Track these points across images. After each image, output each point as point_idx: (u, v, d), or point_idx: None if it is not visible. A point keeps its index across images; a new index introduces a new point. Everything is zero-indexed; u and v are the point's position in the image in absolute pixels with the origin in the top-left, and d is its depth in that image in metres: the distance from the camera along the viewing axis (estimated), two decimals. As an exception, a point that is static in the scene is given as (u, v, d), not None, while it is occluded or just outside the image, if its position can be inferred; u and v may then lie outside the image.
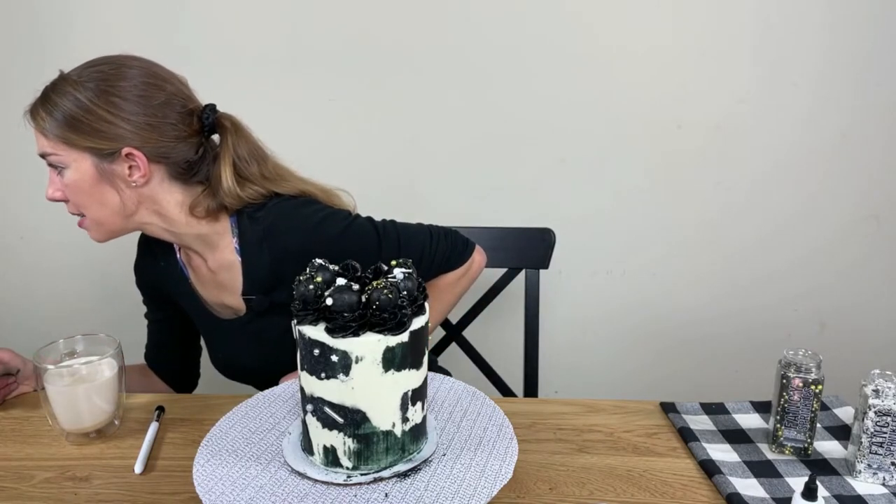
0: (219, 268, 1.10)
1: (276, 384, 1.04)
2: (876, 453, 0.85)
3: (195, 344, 1.30)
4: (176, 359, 1.28)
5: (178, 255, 1.16)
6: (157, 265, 1.18)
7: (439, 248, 1.15)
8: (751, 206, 1.76)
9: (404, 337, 0.74)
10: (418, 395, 0.79)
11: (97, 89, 0.97)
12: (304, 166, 1.83)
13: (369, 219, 1.12)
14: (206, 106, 1.05)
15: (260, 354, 1.13)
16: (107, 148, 0.98)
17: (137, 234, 1.89)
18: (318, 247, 1.03)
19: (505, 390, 1.47)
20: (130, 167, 0.99)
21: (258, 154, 1.08)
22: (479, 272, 1.23)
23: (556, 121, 1.71)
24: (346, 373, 0.73)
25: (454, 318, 1.44)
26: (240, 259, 1.08)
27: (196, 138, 1.04)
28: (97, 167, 0.99)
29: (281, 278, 1.05)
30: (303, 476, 0.77)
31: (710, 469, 0.88)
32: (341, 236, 1.07)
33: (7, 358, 1.05)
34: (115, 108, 0.97)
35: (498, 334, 1.71)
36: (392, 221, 1.14)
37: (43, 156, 1.00)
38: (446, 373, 1.33)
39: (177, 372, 1.29)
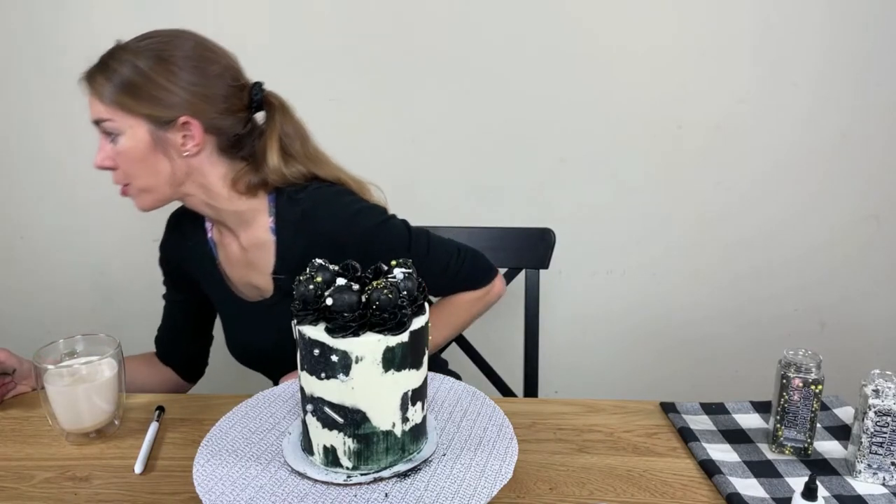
0: (251, 246, 1.11)
1: (289, 372, 1.05)
2: (876, 453, 0.85)
3: (208, 331, 1.30)
4: (188, 342, 1.28)
5: (209, 235, 1.17)
6: (185, 244, 1.20)
7: (464, 265, 1.16)
8: (751, 206, 1.76)
9: (404, 337, 0.74)
10: (418, 395, 0.79)
11: (156, 57, 0.99)
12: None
13: (404, 221, 1.13)
14: (255, 83, 1.08)
15: (280, 339, 1.13)
16: (164, 116, 1.00)
17: (140, 231, 1.89)
18: (351, 237, 1.06)
19: (505, 390, 1.47)
20: (184, 136, 1.01)
21: (302, 133, 1.10)
22: (496, 298, 1.23)
23: (556, 121, 1.71)
24: (346, 373, 0.73)
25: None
26: (274, 238, 1.09)
27: (244, 113, 1.06)
28: (152, 135, 1.00)
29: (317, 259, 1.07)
30: (303, 476, 0.77)
31: (710, 469, 0.88)
32: (375, 230, 1.09)
33: (2, 357, 1.06)
34: (174, 76, 0.99)
35: (498, 334, 1.71)
36: (426, 230, 1.15)
37: (97, 122, 1.01)
38: (456, 376, 1.33)
39: (186, 357, 1.29)
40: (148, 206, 1.07)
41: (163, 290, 1.29)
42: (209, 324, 1.29)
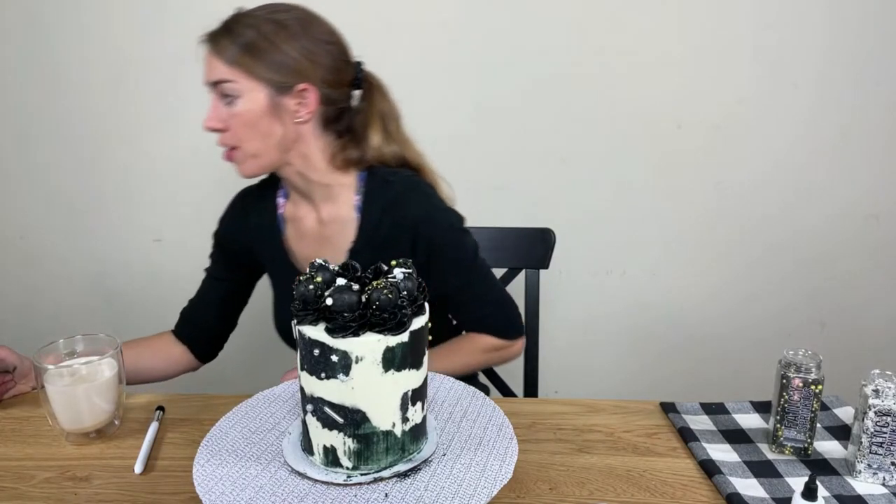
0: (331, 221, 1.14)
1: None
2: (876, 453, 0.85)
3: (236, 316, 1.31)
4: (214, 321, 1.28)
5: (279, 211, 1.18)
6: (247, 222, 1.20)
7: (504, 310, 1.20)
8: (750, 206, 1.76)
9: (404, 337, 0.74)
10: (418, 395, 0.79)
11: (278, 24, 1.02)
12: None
13: (475, 242, 1.17)
14: (357, 61, 1.12)
15: None
16: (285, 81, 1.03)
17: (140, 232, 1.89)
18: (430, 230, 1.11)
19: (505, 390, 1.47)
20: (299, 103, 1.04)
21: (396, 114, 1.15)
22: (511, 357, 1.25)
23: (557, 121, 1.71)
24: (346, 373, 0.73)
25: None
26: (357, 216, 1.12)
27: (347, 88, 1.10)
28: (271, 99, 1.03)
29: (393, 243, 1.10)
30: (303, 476, 0.77)
31: (710, 469, 0.88)
32: (453, 233, 1.14)
33: (3, 355, 1.06)
34: (295, 43, 1.02)
35: (498, 334, 1.71)
36: (488, 264, 1.19)
37: (216, 83, 1.03)
38: (485, 389, 1.33)
39: (207, 334, 1.28)
40: (252, 171, 1.09)
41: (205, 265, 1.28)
42: (239, 310, 1.30)
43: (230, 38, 1.01)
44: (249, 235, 1.20)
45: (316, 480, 0.76)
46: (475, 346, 1.20)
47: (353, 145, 1.11)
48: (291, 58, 1.02)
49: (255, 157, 1.07)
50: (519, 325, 1.23)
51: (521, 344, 1.24)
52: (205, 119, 1.04)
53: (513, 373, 1.49)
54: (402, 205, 1.10)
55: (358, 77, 1.10)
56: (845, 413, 1.02)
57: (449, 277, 1.15)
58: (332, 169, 1.11)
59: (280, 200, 1.19)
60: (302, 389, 0.78)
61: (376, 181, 1.12)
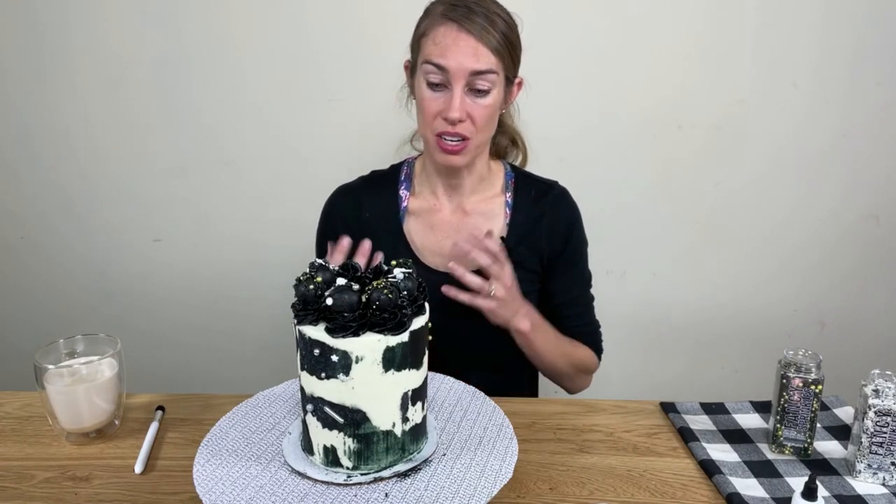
0: (475, 212, 1.15)
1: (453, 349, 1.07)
2: (876, 453, 0.85)
3: None
4: None
5: (403, 204, 1.17)
6: (361, 218, 1.18)
7: (599, 334, 1.27)
8: (751, 206, 1.76)
9: (404, 337, 0.74)
10: (418, 394, 0.79)
11: (511, 15, 1.02)
12: (304, 165, 1.83)
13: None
14: None
15: (467, 311, 1.11)
16: (515, 75, 1.04)
17: (140, 231, 1.89)
18: (579, 236, 1.16)
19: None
20: (510, 93, 1.06)
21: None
22: (585, 385, 1.27)
23: (556, 121, 1.71)
24: (346, 373, 0.73)
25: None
26: (509, 210, 1.14)
27: None
28: (504, 91, 1.03)
29: (540, 241, 1.12)
30: (303, 476, 0.77)
31: (710, 469, 0.88)
32: (583, 249, 1.19)
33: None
34: (519, 36, 1.03)
35: (498, 334, 1.71)
36: None
37: (477, 73, 0.98)
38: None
39: None
40: (468, 161, 1.08)
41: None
42: None
43: (491, 24, 0.97)
44: (365, 231, 1.15)
45: (316, 480, 0.76)
46: (582, 350, 1.21)
47: (501, 132, 1.14)
48: (521, 51, 1.03)
49: (479, 147, 1.07)
50: (601, 349, 1.26)
51: (592, 376, 1.27)
52: (448, 110, 0.98)
53: (513, 373, 1.49)
54: (560, 207, 1.13)
55: None
56: (845, 413, 1.02)
57: (572, 285, 1.18)
58: (489, 157, 1.14)
59: (404, 193, 1.18)
60: (302, 389, 0.78)
61: (528, 179, 1.15)
